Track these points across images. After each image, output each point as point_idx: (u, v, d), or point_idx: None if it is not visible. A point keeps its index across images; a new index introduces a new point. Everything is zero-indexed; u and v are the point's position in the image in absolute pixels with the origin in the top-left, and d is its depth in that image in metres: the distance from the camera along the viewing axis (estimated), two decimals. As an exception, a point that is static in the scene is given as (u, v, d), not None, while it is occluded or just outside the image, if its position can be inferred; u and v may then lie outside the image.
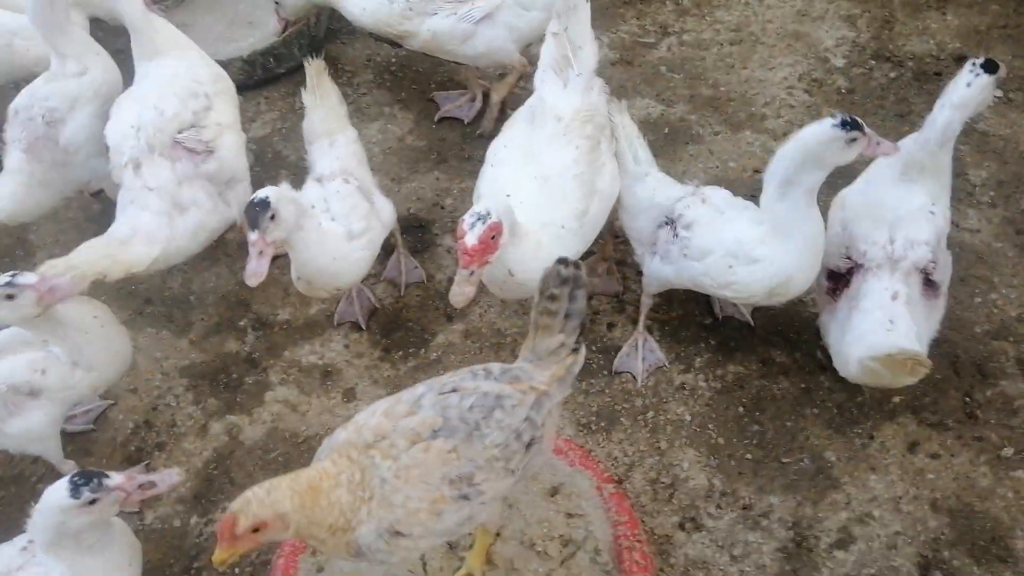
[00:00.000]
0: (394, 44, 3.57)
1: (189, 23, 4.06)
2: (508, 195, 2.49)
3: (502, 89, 3.64)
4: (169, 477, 1.95)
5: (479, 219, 2.18)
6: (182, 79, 2.86)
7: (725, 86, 3.99)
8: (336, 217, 2.65)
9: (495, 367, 1.97)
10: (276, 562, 2.30)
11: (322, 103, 2.94)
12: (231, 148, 2.85)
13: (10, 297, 2.20)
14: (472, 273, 2.20)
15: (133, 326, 3.01)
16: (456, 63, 3.72)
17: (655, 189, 2.77)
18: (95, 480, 1.88)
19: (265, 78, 3.98)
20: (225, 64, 3.78)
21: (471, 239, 2.16)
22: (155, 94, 2.82)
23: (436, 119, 3.82)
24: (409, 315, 3.11)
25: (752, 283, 2.52)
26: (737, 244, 2.51)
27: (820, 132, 2.33)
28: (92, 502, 1.87)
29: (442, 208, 3.47)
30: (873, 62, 4.06)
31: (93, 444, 2.83)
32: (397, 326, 3.08)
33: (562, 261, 1.94)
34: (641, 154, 2.83)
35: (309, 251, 2.48)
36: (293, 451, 2.75)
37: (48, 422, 2.47)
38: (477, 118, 3.76)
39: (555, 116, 2.71)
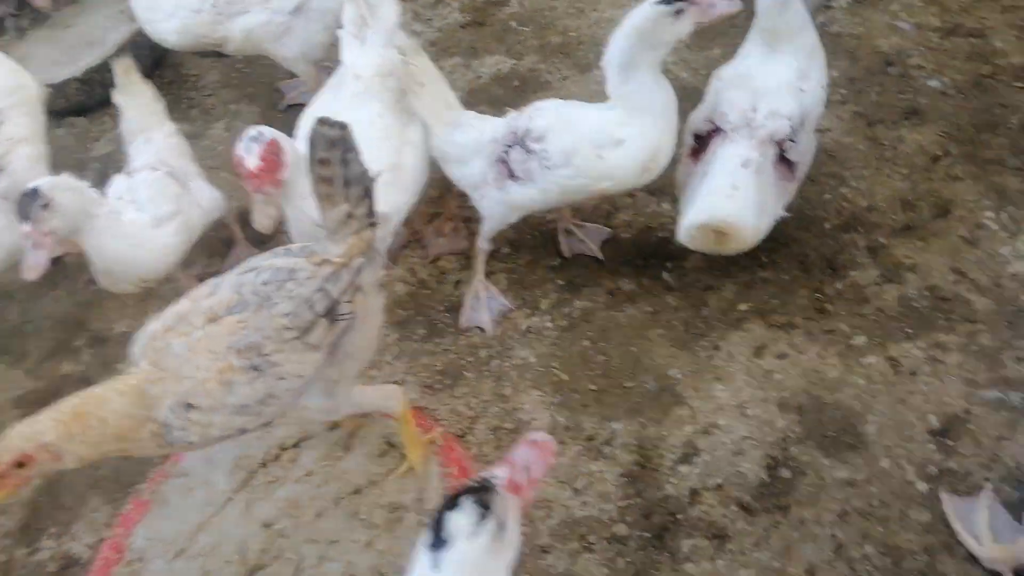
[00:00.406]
0: (220, 55, 3.49)
1: (31, 55, 3.98)
2: None
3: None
4: None
5: (253, 140, 2.12)
6: None
7: (575, 31, 3.91)
8: (142, 205, 2.58)
9: (295, 246, 1.96)
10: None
11: (135, 101, 2.88)
12: (25, 162, 2.77)
13: None
14: (266, 197, 2.15)
15: (-32, 365, 2.94)
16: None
17: (478, 129, 2.68)
18: None
19: (106, 96, 3.89)
20: (61, 86, 3.73)
21: (251, 161, 2.10)
22: None
23: (282, 107, 3.76)
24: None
25: (625, 163, 2.44)
26: (599, 132, 2.44)
27: (646, 13, 2.31)
28: None
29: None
30: (724, -18, 3.99)
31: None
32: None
33: (324, 121, 1.83)
34: (451, 99, 2.75)
35: (102, 239, 2.41)
36: (124, 464, 2.59)
37: None
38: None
39: (355, 75, 2.67)
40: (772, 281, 2.79)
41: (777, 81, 2.49)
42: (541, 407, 2.56)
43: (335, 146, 1.81)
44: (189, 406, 1.76)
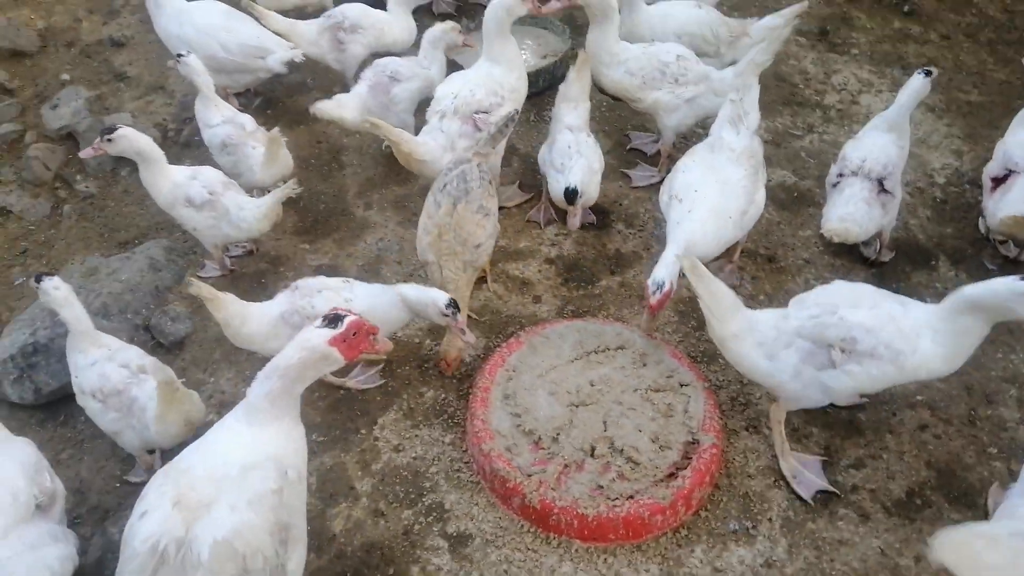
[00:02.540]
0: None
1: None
2: (696, 190, 3.53)
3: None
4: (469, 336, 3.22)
5: (659, 288, 3.30)
6: (493, 81, 4.11)
7: (848, 177, 4.88)
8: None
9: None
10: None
11: (580, 83, 4.24)
12: None
13: None
14: (653, 317, 3.37)
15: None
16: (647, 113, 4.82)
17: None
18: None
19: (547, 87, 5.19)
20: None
21: (654, 300, 3.30)
22: (476, 82, 4.09)
23: (627, 148, 4.97)
24: (585, 263, 4.18)
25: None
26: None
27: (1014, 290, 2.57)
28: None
29: (620, 205, 4.55)
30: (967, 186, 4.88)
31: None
32: (576, 268, 4.16)
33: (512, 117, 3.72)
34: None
35: None
36: (495, 320, 3.86)
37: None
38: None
39: (730, 148, 3.74)
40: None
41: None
42: (768, 396, 3.53)
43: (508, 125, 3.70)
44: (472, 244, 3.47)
